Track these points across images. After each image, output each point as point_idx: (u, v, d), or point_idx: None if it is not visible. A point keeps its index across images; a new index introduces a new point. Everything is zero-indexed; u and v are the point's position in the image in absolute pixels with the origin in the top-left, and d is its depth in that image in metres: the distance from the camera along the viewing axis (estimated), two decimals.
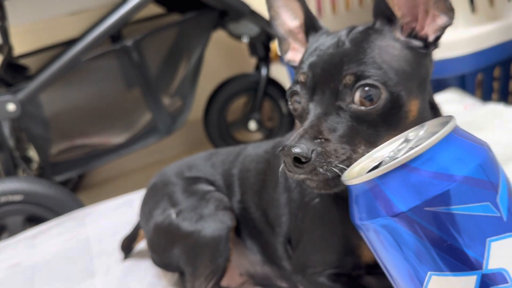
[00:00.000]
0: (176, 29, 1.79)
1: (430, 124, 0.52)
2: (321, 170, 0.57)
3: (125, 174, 2.32)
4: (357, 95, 0.60)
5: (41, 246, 1.22)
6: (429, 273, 0.45)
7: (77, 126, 1.73)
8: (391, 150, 0.52)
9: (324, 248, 0.74)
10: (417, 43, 0.64)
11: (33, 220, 1.45)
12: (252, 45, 2.03)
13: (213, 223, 0.84)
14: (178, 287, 0.96)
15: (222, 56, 2.38)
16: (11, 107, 1.47)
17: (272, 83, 2.08)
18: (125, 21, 1.61)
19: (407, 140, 0.52)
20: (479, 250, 0.44)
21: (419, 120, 0.61)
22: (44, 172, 1.65)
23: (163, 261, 0.94)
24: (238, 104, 2.17)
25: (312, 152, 0.57)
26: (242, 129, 2.13)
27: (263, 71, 2.03)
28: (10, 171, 1.57)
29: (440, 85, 1.52)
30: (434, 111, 0.68)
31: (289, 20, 0.76)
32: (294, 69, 0.74)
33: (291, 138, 0.60)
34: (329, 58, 0.63)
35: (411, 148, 0.47)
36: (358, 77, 0.60)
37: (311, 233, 0.77)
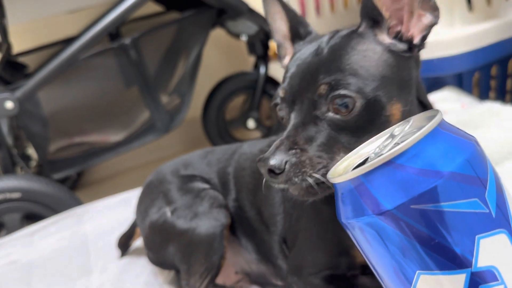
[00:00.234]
0: (175, 27, 1.79)
1: (416, 119, 0.51)
2: (296, 179, 0.59)
3: (123, 172, 2.32)
4: (332, 104, 0.61)
5: (38, 243, 1.22)
6: (417, 272, 0.44)
7: (76, 124, 1.73)
8: (377, 146, 0.51)
9: (318, 248, 0.75)
10: (401, 45, 0.64)
11: (31, 218, 1.45)
12: (250, 43, 2.03)
13: (208, 221, 0.84)
14: (174, 285, 0.96)
15: (220, 54, 2.38)
16: (9, 105, 1.48)
17: (270, 81, 2.07)
18: (123, 19, 1.61)
19: (392, 136, 0.51)
20: (468, 247, 0.43)
21: None
22: (42, 169, 1.65)
23: (158, 259, 0.94)
24: (237, 103, 2.17)
25: (286, 163, 0.58)
26: (241, 128, 2.13)
27: (262, 70, 2.03)
28: (8, 169, 1.57)
29: (437, 84, 1.52)
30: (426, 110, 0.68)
31: (283, 27, 0.77)
32: None
33: (269, 149, 0.61)
34: (307, 67, 0.64)
35: (396, 144, 0.46)
36: (332, 86, 0.60)
37: (305, 233, 0.77)
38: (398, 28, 0.64)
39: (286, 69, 0.68)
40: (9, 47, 1.75)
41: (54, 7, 1.77)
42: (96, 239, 1.19)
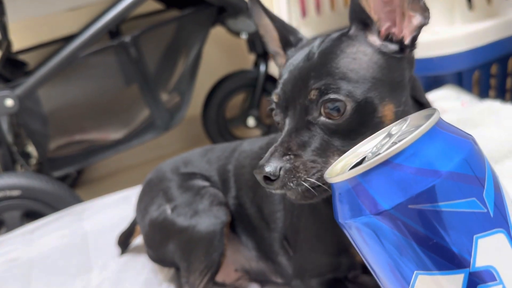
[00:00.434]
0: (175, 25, 1.79)
1: (413, 118, 0.51)
2: (291, 185, 0.59)
3: (123, 170, 2.32)
4: (323, 109, 0.61)
5: (38, 241, 1.23)
6: (415, 272, 0.44)
7: (75, 121, 1.73)
8: (374, 145, 0.51)
9: (318, 249, 0.75)
10: (392, 47, 0.64)
11: (31, 215, 1.45)
12: (250, 41, 2.03)
13: (208, 219, 0.84)
14: (174, 282, 0.97)
15: (220, 52, 2.38)
16: (9, 102, 1.48)
17: (270, 79, 2.07)
18: (123, 17, 1.61)
19: (389, 135, 0.50)
20: (466, 247, 0.43)
21: None
22: (43, 167, 1.66)
23: (158, 257, 0.94)
24: (237, 101, 2.17)
25: (280, 170, 0.59)
26: (241, 126, 2.13)
27: (262, 68, 2.03)
28: (8, 166, 1.57)
29: (437, 82, 1.52)
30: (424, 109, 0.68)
31: (275, 37, 0.77)
32: None
33: (264, 155, 0.62)
34: (298, 73, 0.64)
35: (394, 143, 0.46)
36: (322, 91, 0.61)
37: (305, 232, 0.78)
38: (390, 30, 0.64)
39: (280, 75, 0.69)
40: (9, 44, 1.75)
41: (54, 4, 1.77)
42: (96, 237, 1.19)
